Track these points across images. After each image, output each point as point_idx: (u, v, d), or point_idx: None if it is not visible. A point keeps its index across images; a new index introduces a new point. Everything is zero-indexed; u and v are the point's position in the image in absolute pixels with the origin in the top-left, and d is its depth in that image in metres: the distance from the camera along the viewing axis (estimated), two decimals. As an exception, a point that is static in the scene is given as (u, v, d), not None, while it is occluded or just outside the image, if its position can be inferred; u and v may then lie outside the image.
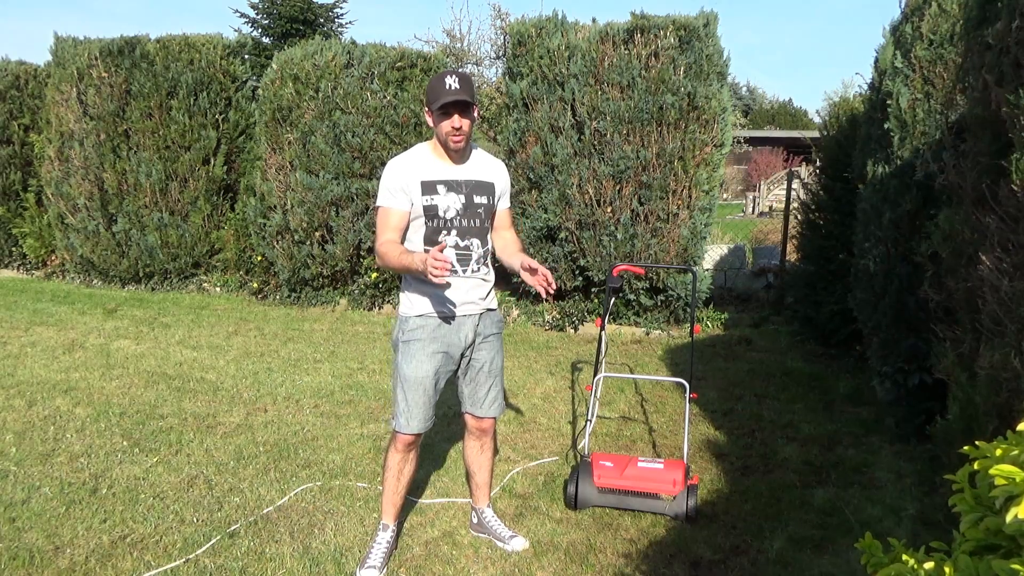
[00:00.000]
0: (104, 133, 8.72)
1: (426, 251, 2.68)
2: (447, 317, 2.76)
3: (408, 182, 2.66)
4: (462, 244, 2.74)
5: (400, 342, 2.79)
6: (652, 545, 3.02)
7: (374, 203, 2.75)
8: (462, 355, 2.85)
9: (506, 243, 2.93)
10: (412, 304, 2.77)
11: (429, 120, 2.68)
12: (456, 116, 2.60)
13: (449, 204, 2.70)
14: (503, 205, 2.91)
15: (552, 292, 2.67)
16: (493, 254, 2.95)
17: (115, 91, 8.67)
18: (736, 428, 4.42)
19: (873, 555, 1.29)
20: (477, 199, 2.75)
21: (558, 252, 7.13)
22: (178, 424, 4.37)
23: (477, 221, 2.77)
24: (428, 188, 2.68)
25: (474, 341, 2.85)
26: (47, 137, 9.32)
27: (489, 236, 2.86)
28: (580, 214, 6.90)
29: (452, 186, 2.71)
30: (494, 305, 2.94)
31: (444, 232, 2.71)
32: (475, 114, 2.66)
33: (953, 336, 2.95)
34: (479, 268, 2.80)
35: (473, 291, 2.79)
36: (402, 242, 2.74)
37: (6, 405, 4.65)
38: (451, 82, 2.58)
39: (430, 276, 2.39)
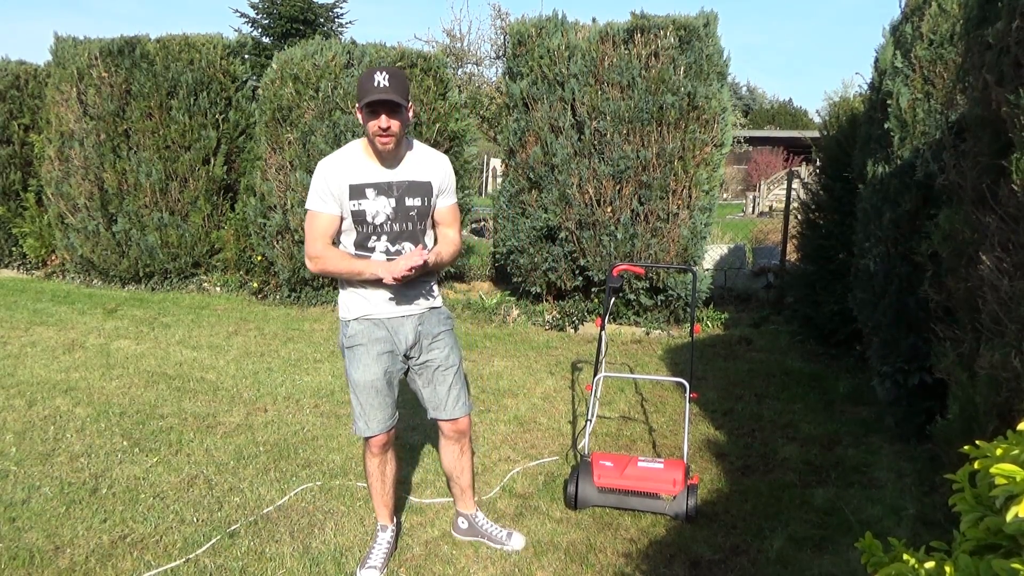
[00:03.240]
0: (104, 133, 8.71)
1: (357, 255, 2.64)
2: (385, 319, 2.70)
3: (337, 186, 2.56)
4: (392, 249, 2.65)
5: (344, 348, 2.74)
6: (652, 545, 3.02)
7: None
8: (407, 355, 2.77)
9: (440, 241, 2.81)
10: (349, 308, 2.71)
11: (359, 117, 2.53)
12: (383, 116, 2.45)
13: (378, 209, 2.59)
14: (446, 202, 2.77)
15: (415, 266, 2.51)
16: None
17: (115, 91, 8.66)
18: (736, 428, 4.42)
19: (873, 555, 1.29)
20: (409, 201, 2.64)
21: (558, 252, 7.13)
22: (178, 424, 4.37)
23: (409, 224, 2.65)
24: (356, 192, 2.57)
25: (417, 341, 2.76)
26: (47, 137, 9.31)
27: (427, 237, 2.76)
28: (580, 214, 6.90)
29: (382, 189, 2.59)
30: (438, 303, 2.82)
31: (374, 238, 2.63)
32: (408, 114, 2.53)
33: (953, 336, 2.95)
34: (412, 271, 2.64)
35: (409, 293, 2.70)
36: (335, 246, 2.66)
37: (6, 405, 4.65)
38: (380, 79, 2.42)
39: (394, 282, 2.45)
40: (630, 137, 6.69)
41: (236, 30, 22.58)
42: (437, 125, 7.83)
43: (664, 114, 6.58)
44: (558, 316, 7.20)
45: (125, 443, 4.05)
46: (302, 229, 7.79)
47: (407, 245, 2.67)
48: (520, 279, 7.47)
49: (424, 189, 2.67)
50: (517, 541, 2.98)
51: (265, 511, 3.28)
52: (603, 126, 6.74)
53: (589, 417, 3.85)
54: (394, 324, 2.72)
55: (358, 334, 2.69)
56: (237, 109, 9.00)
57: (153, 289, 9.05)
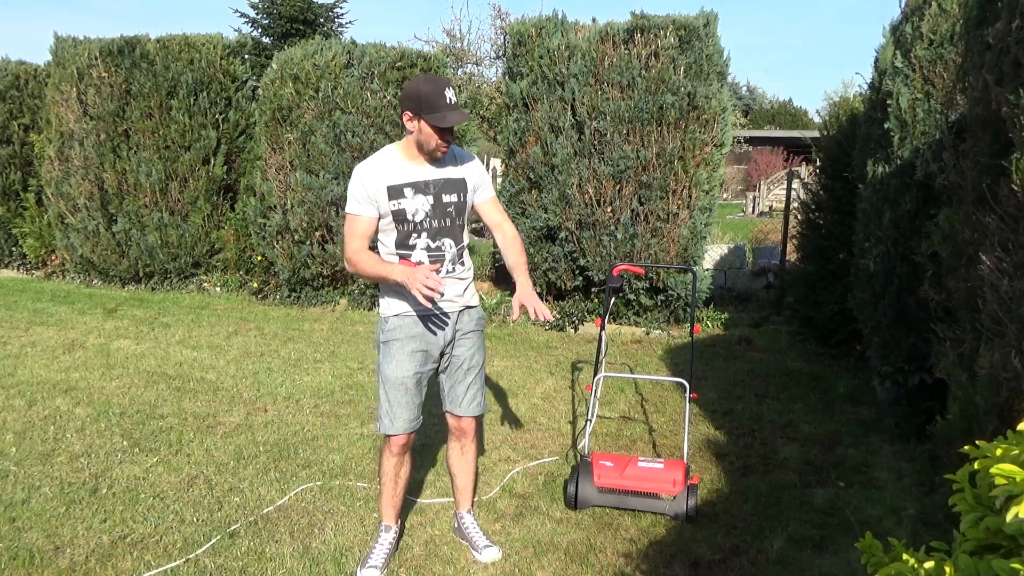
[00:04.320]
0: (104, 133, 8.71)
1: (400, 258, 2.69)
2: (424, 316, 2.74)
3: (375, 189, 2.62)
4: (433, 245, 2.70)
5: (380, 343, 2.78)
6: (652, 545, 3.02)
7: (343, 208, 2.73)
8: (442, 353, 2.83)
9: (505, 240, 2.85)
10: (389, 304, 2.75)
11: (410, 124, 2.58)
12: (449, 132, 2.58)
13: (417, 207, 2.65)
14: (484, 195, 2.83)
15: (544, 318, 2.67)
16: (471, 249, 2.93)
17: (115, 91, 8.66)
18: (736, 428, 4.42)
19: (873, 555, 1.29)
20: (446, 198, 2.69)
21: (558, 252, 7.13)
22: (178, 424, 4.37)
23: (448, 220, 2.71)
24: (395, 192, 2.63)
25: (453, 338, 2.82)
26: (47, 137, 9.31)
27: (464, 234, 2.80)
28: (580, 214, 6.90)
29: (419, 187, 2.65)
30: (474, 302, 2.88)
31: (415, 235, 2.68)
32: None
33: (953, 336, 2.94)
34: (454, 268, 2.76)
35: (449, 289, 2.73)
36: (373, 246, 2.72)
37: (6, 405, 4.65)
38: (451, 95, 2.51)
39: (415, 294, 2.45)
40: (630, 137, 6.69)
41: (236, 30, 22.59)
42: (437, 125, 7.82)
43: (664, 114, 6.58)
44: (558, 316, 7.20)
45: (125, 443, 4.05)
46: (302, 229, 7.81)
47: (447, 241, 2.72)
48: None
49: (459, 185, 2.74)
50: (488, 555, 2.90)
51: (265, 511, 3.28)
52: (603, 126, 6.74)
53: (589, 417, 3.85)
54: (434, 322, 2.76)
55: (396, 329, 2.74)
56: (237, 109, 9.00)
57: (153, 289, 9.05)
